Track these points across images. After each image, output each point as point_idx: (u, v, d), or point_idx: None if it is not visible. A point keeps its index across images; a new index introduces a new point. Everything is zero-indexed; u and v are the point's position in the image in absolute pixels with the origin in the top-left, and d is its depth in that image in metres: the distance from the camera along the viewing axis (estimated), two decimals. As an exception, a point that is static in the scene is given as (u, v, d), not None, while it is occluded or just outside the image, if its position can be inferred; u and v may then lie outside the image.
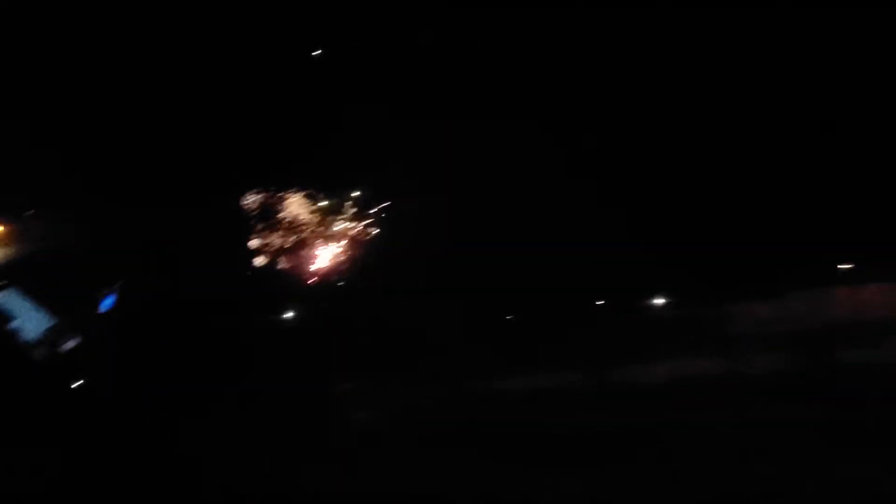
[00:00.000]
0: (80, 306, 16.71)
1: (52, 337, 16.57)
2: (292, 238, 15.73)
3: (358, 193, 15.80)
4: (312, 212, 15.84)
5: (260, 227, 15.92)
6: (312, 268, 15.73)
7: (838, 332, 12.32)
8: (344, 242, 15.70)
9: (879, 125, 12.67)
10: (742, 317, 13.14)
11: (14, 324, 16.17)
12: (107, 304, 17.37)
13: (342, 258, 15.64)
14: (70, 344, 16.71)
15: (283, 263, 15.76)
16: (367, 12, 15.05)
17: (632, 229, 13.43)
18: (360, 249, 15.61)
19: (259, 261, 15.84)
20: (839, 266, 12.96)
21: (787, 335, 12.73)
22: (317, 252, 15.81)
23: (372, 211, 15.70)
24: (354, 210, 15.79)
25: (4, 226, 17.03)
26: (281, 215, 15.87)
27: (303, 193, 15.88)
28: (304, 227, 15.74)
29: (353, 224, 15.72)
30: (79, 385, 15.36)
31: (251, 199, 16.00)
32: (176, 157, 16.40)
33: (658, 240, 13.46)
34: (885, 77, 12.71)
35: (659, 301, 13.39)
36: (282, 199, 15.92)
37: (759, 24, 13.45)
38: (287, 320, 15.39)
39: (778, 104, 13.39)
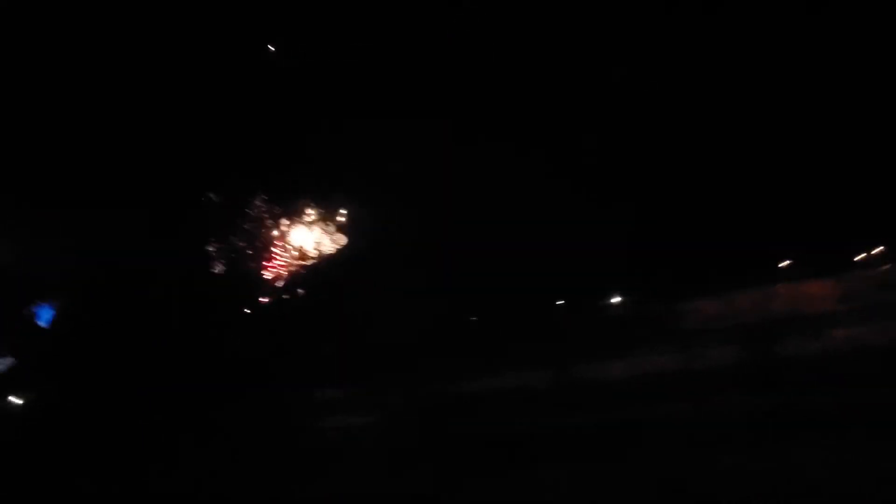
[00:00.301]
0: (11, 323, 15.81)
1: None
2: (255, 243, 15.45)
3: (324, 199, 15.67)
4: (276, 215, 15.61)
5: (221, 230, 15.52)
6: (275, 273, 15.49)
7: (780, 325, 13.21)
8: (312, 247, 15.55)
9: (815, 132, 13.71)
10: (692, 313, 13.89)
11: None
12: (45, 317, 16.43)
13: (307, 264, 15.47)
14: (4, 364, 15.75)
15: (245, 268, 15.45)
16: (332, 19, 15.01)
17: (588, 232, 13.96)
18: (326, 255, 15.49)
19: (218, 265, 15.44)
20: (779, 263, 13.93)
21: (733, 330, 13.55)
22: (281, 256, 15.59)
23: (337, 216, 15.60)
24: (321, 214, 15.64)
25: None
26: (245, 219, 15.54)
27: (267, 197, 15.61)
28: (267, 232, 15.47)
29: (320, 229, 15.58)
30: (20, 404, 14.57)
31: (213, 202, 15.58)
32: (115, 159, 15.78)
33: (612, 242, 14.06)
34: (817, 89, 13.78)
35: (615, 300, 13.95)
36: (245, 203, 15.59)
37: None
38: (251, 326, 15.08)
39: (721, 114, 14.25)
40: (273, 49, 15.73)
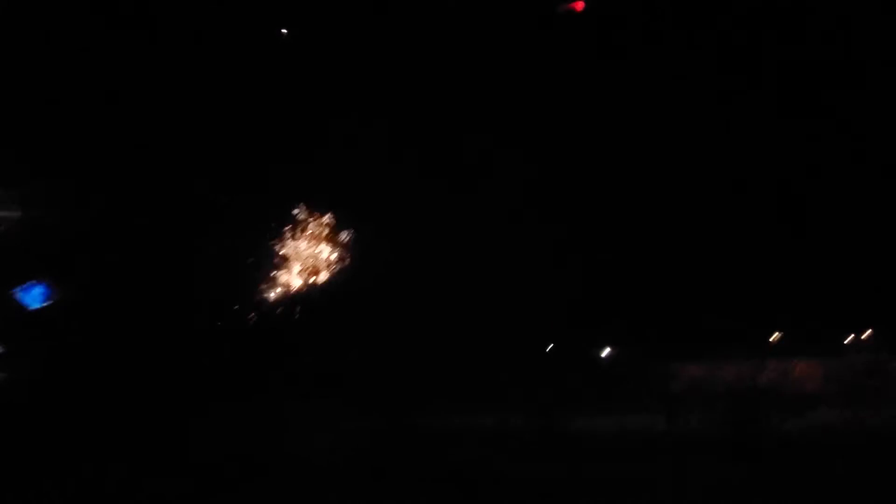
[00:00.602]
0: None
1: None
2: (259, 252, 15.33)
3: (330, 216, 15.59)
4: (283, 226, 15.49)
5: (227, 236, 15.39)
6: (273, 285, 15.42)
7: (767, 399, 13.35)
8: (311, 263, 15.49)
9: (813, 215, 14.17)
10: (681, 376, 14.02)
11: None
12: (33, 299, 16.08)
13: (306, 280, 15.41)
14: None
15: (246, 276, 15.34)
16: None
17: (592, 283, 14.18)
18: (315, 273, 15.42)
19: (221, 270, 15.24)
20: (770, 338, 14.15)
21: (718, 396, 13.68)
22: (282, 268, 15.51)
23: (341, 234, 15.56)
24: (325, 231, 15.56)
25: None
26: (252, 228, 15.43)
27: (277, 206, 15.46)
28: (273, 242, 15.36)
29: (322, 246, 15.53)
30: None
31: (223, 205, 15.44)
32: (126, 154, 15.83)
33: (610, 296, 14.26)
34: (811, 171, 14.30)
35: (607, 352, 14.08)
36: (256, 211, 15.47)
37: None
38: (235, 333, 14.89)
39: (720, 188, 14.68)
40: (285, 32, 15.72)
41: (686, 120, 15.05)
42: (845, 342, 14.01)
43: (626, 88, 15.04)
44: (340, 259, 15.61)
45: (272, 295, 15.51)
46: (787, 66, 14.86)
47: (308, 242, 15.84)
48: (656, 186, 14.71)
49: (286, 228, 15.97)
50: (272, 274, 15.59)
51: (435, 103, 15.06)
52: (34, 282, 15.57)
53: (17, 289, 15.53)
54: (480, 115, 14.90)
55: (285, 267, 15.68)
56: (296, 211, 15.97)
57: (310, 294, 15.42)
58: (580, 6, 14.60)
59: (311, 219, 15.77)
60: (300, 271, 15.58)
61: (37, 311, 15.77)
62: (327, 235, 15.81)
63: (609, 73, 15.30)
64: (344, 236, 15.74)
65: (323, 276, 15.51)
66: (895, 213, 14.24)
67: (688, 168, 14.76)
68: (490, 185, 14.86)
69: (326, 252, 15.69)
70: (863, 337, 14.21)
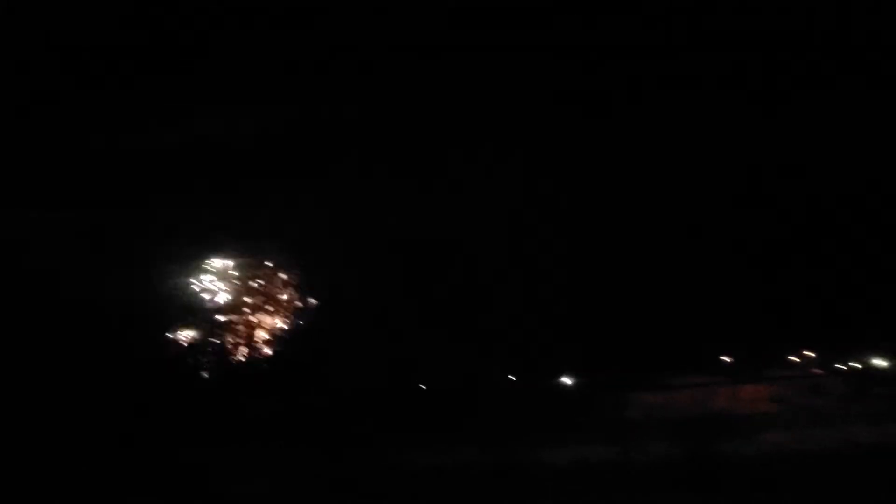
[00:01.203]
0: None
1: None
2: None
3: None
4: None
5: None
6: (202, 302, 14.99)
7: (717, 423, 13.65)
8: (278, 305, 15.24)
9: (761, 240, 14.73)
10: (635, 403, 14.22)
11: None
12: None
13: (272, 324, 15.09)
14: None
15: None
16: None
17: (547, 315, 14.35)
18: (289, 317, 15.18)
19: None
20: (720, 359, 14.53)
21: (673, 423, 13.93)
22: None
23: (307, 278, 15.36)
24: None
25: None
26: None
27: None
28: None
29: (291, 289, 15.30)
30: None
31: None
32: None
33: (566, 324, 14.44)
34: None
35: (564, 381, 14.17)
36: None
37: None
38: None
39: (662, 222, 15.15)
40: None
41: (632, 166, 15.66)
42: (789, 364, 14.51)
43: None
44: (292, 298, 15.46)
45: (227, 336, 15.18)
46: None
47: (261, 281, 15.64)
48: (608, 222, 15.11)
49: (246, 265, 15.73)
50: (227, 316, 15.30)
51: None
52: None
53: None
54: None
55: (237, 307, 15.41)
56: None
57: (261, 331, 15.20)
58: None
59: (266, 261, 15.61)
60: (253, 309, 15.34)
61: None
62: (278, 274, 15.66)
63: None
64: (294, 275, 15.60)
65: (276, 315, 15.32)
66: (836, 241, 14.98)
67: (638, 204, 15.26)
68: (443, 220, 15.05)
69: (279, 288, 15.51)
70: (806, 358, 14.73)
